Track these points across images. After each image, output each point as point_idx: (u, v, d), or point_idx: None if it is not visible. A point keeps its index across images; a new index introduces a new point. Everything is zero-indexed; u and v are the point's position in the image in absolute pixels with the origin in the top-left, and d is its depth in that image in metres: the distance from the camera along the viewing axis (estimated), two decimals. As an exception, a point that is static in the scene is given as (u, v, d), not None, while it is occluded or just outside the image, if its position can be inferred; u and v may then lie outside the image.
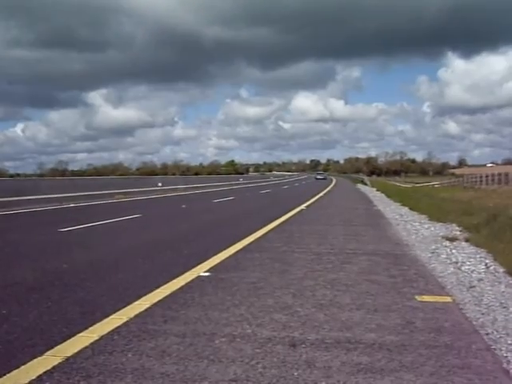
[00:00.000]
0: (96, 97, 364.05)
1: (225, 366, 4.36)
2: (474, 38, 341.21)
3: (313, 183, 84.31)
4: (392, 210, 22.93)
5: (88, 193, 32.65)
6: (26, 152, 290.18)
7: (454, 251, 10.58)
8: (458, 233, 13.55)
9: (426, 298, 6.70)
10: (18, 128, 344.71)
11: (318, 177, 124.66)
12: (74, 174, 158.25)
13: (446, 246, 11.29)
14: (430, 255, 10.27)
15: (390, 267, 8.94)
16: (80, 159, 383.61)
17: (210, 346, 4.83)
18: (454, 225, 15.19)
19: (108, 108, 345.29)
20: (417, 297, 6.77)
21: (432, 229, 14.87)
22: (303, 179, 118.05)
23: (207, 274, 8.27)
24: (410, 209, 22.93)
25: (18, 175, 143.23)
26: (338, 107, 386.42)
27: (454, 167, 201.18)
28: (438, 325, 5.55)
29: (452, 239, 12.26)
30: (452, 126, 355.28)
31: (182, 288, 7.23)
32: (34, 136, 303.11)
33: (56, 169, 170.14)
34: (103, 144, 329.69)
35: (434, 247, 11.23)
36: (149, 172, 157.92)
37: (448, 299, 6.71)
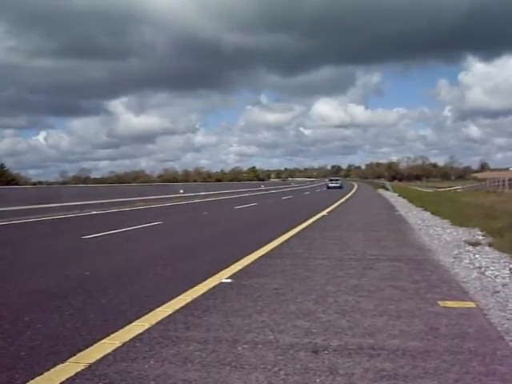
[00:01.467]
0: (117, 105, 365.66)
1: (247, 373, 4.34)
2: (493, 40, 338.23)
3: (334, 189, 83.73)
4: (414, 215, 22.80)
5: (110, 200, 32.78)
6: (48, 160, 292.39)
7: (477, 256, 10.47)
8: (481, 237, 13.43)
9: (450, 304, 6.63)
10: (41, 136, 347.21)
11: (331, 184, 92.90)
12: (96, 181, 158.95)
13: (468, 251, 11.18)
14: (452, 260, 10.19)
15: (412, 272, 8.88)
16: (102, 167, 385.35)
17: (233, 353, 4.82)
18: (476, 229, 15.05)
19: (129, 115, 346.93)
20: (440, 302, 6.70)
21: (454, 233, 14.76)
22: (324, 185, 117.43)
23: (229, 280, 8.26)
24: (432, 213, 22.77)
25: (41, 183, 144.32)
26: (359, 112, 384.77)
27: (476, 171, 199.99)
28: (462, 331, 5.49)
29: (475, 244, 12.15)
30: (474, 130, 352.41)
31: (203, 294, 7.23)
32: (57, 144, 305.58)
33: (78, 176, 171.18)
34: (125, 151, 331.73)
35: (456, 252, 11.13)
36: (170, 179, 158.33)
37: (472, 305, 6.63)
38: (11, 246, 13.78)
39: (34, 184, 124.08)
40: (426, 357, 4.68)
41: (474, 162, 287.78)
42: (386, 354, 4.76)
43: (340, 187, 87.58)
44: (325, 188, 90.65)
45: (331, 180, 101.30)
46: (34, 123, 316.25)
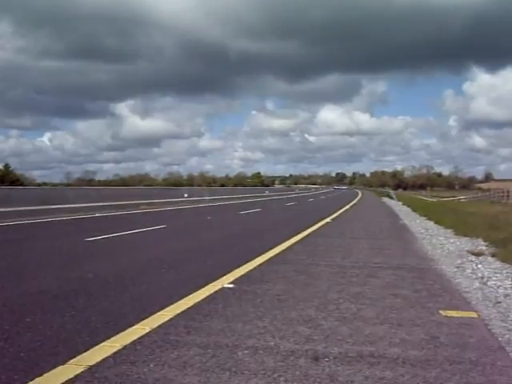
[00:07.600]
0: (123, 107, 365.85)
1: (247, 379, 4.33)
2: (498, 52, 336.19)
3: (339, 196, 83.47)
4: (417, 224, 22.81)
5: (114, 203, 32.84)
6: (53, 161, 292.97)
7: (479, 266, 10.45)
8: (484, 248, 13.39)
9: (451, 313, 6.62)
10: (46, 137, 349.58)
11: None
12: (100, 183, 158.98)
13: (471, 261, 11.17)
14: (455, 270, 10.17)
15: (414, 281, 8.87)
16: (107, 169, 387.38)
17: (233, 358, 4.81)
18: (480, 239, 15.03)
19: (135, 119, 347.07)
20: (441, 312, 6.69)
21: (457, 243, 14.74)
22: (329, 192, 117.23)
23: (231, 285, 8.26)
24: (436, 223, 22.78)
25: (46, 184, 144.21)
26: (364, 120, 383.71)
27: (480, 181, 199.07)
28: (462, 340, 5.47)
29: (478, 254, 12.13)
30: (478, 140, 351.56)
31: (205, 299, 7.22)
32: (62, 146, 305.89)
33: (83, 178, 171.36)
34: (130, 154, 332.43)
35: (459, 262, 11.12)
36: (175, 183, 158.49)
37: (473, 314, 6.62)
38: (14, 246, 13.81)
39: (39, 185, 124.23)
40: (426, 366, 4.67)
41: (478, 172, 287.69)
42: (387, 363, 4.75)
43: None
44: (329, 195, 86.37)
45: None
46: (39, 124, 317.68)
